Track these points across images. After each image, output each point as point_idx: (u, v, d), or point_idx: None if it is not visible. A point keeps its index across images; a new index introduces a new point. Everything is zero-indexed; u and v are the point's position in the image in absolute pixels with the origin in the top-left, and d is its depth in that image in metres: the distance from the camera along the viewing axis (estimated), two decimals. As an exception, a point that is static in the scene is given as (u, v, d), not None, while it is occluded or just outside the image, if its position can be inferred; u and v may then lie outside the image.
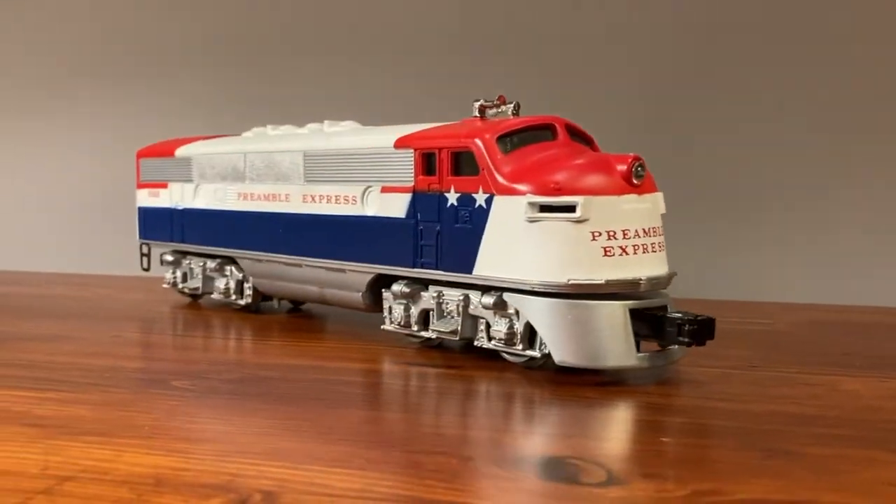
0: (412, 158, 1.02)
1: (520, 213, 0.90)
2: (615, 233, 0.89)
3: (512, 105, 1.01)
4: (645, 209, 0.92)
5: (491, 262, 0.93)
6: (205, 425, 0.73)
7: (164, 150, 1.42)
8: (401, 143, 1.03)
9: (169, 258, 1.42)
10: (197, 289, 1.37)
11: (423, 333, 1.04)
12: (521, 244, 0.90)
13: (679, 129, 1.54)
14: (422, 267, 1.01)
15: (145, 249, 1.49)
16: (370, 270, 1.08)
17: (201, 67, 1.81)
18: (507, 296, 0.93)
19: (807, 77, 1.49)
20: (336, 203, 1.12)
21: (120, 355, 1.04)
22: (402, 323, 1.05)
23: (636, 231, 0.90)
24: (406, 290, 1.03)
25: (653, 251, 0.92)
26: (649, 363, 0.90)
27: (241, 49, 1.78)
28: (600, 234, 0.88)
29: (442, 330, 1.00)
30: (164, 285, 1.46)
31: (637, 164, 0.91)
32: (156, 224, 1.44)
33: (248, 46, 1.78)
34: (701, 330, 0.88)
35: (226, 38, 1.79)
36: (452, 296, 1.00)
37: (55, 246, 1.93)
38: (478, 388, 0.89)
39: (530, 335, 0.93)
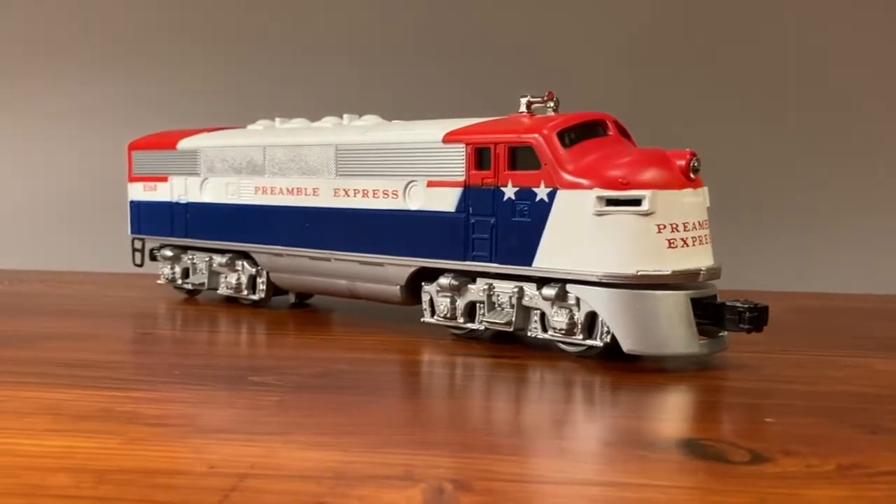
0: (463, 153, 1.03)
1: (587, 207, 0.93)
2: (677, 225, 0.93)
3: (553, 101, 1.05)
4: (698, 202, 0.96)
5: (553, 255, 0.96)
6: (331, 419, 0.74)
7: (162, 143, 1.38)
8: (451, 138, 1.04)
9: (168, 253, 1.39)
10: (203, 284, 1.34)
11: (471, 325, 1.05)
12: (587, 237, 0.93)
13: (673, 120, 1.60)
14: (473, 260, 1.03)
15: (138, 245, 1.45)
16: (412, 264, 1.09)
17: (191, 57, 1.77)
18: (570, 287, 0.96)
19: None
20: (374, 197, 1.12)
21: (168, 352, 1.02)
22: (447, 315, 1.07)
23: (693, 224, 0.95)
24: (455, 282, 1.05)
25: (704, 243, 0.97)
26: (709, 350, 0.94)
27: (232, 40, 1.75)
28: (665, 227, 0.92)
29: (496, 321, 1.02)
30: (160, 281, 1.42)
31: (694, 159, 0.95)
32: (152, 219, 1.40)
33: (241, 38, 1.75)
34: (760, 317, 0.93)
35: (216, 29, 1.76)
36: (505, 288, 1.02)
37: (29, 243, 1.84)
38: (551, 377, 0.91)
39: (589, 325, 0.96)
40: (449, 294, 1.06)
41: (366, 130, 1.15)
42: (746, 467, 0.61)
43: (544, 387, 0.88)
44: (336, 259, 1.17)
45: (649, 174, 0.93)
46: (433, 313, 1.09)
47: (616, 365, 0.94)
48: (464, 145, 1.03)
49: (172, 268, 1.39)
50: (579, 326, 0.96)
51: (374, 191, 1.12)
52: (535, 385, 0.89)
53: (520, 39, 1.66)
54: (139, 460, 0.61)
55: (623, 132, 1.05)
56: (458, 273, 1.05)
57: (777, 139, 1.62)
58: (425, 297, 1.10)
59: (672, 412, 0.80)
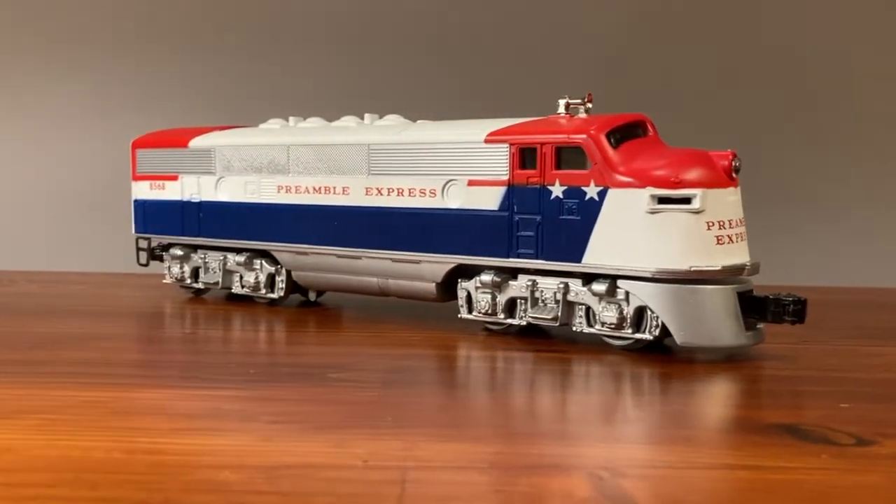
0: (507, 153, 1.05)
1: (640, 205, 0.96)
2: (724, 223, 0.97)
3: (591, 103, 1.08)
4: (737, 201, 1.01)
5: (603, 251, 0.99)
6: (444, 413, 0.76)
7: (171, 141, 1.36)
8: (493, 138, 1.06)
9: (178, 253, 1.36)
10: (217, 283, 1.33)
11: (513, 321, 1.08)
12: (640, 234, 0.97)
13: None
14: (518, 257, 1.05)
15: (143, 244, 1.42)
16: (450, 261, 1.11)
17: (192, 53, 1.74)
18: (621, 282, 0.99)
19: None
20: (410, 196, 1.13)
21: (224, 351, 1.03)
22: (488, 311, 1.09)
23: (735, 221, 0.99)
24: (497, 279, 1.07)
25: (743, 240, 1.01)
26: (753, 341, 0.99)
27: (236, 37, 1.73)
28: (713, 224, 0.97)
29: (542, 317, 1.04)
30: (166, 280, 1.39)
31: (735, 159, 1.00)
32: (160, 218, 1.38)
33: (245, 34, 1.73)
34: (802, 309, 0.98)
35: (221, 26, 1.73)
36: (549, 284, 1.04)
37: (24, 243, 1.78)
38: (608, 370, 0.94)
39: (637, 319, 1.00)
40: (489, 291, 1.08)
41: (399, 130, 1.16)
42: (857, 449, 0.66)
43: (613, 379, 0.91)
44: (367, 257, 1.18)
45: (698, 174, 0.97)
46: (470, 310, 1.11)
47: (656, 357, 0.98)
48: (507, 145, 1.05)
49: (181, 267, 1.37)
50: (628, 321, 1.00)
51: (409, 189, 1.13)
52: (606, 378, 0.91)
53: (519, 38, 1.69)
54: (293, 456, 0.62)
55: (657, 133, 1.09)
56: (498, 270, 1.08)
57: (786, 136, 1.69)
58: (462, 294, 1.12)
59: (747, 400, 0.84)
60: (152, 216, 1.39)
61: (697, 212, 0.95)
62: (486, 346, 1.05)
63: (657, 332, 0.98)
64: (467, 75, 1.68)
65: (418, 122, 1.21)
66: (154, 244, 1.43)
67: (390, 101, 1.54)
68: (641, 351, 1.00)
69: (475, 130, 1.08)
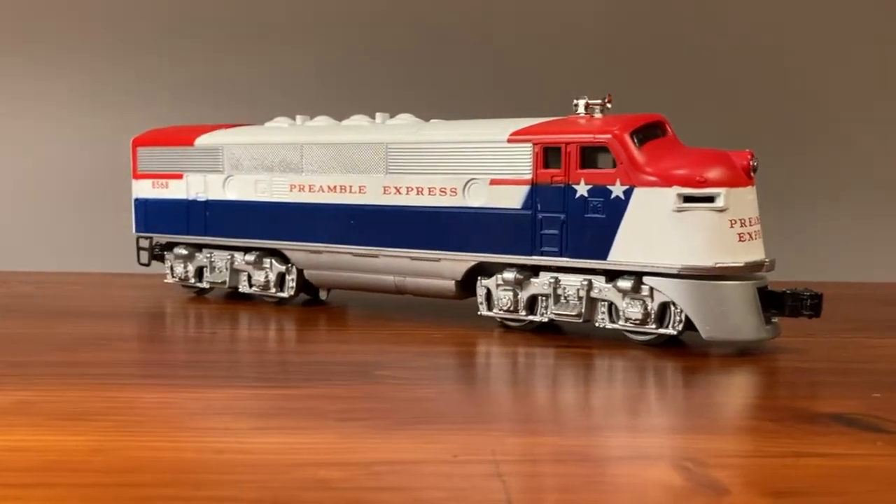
0: (530, 152, 1.07)
1: (667, 204, 0.99)
2: (745, 220, 1.01)
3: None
4: (754, 200, 1.04)
5: (629, 249, 1.02)
6: (513, 407, 0.79)
7: (175, 139, 1.35)
8: (516, 138, 1.08)
9: (183, 252, 1.35)
10: (224, 283, 1.32)
11: (533, 317, 1.10)
12: (666, 232, 0.99)
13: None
14: (541, 254, 1.07)
15: (144, 243, 1.40)
16: (472, 259, 1.12)
17: (191, 50, 1.72)
18: (646, 279, 1.02)
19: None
20: (430, 195, 1.14)
21: (257, 351, 1.04)
22: (509, 308, 1.11)
23: (753, 219, 1.03)
24: (520, 276, 1.09)
25: (760, 237, 1.05)
26: (772, 335, 1.02)
27: (230, 37, 1.72)
28: (736, 222, 1.00)
29: (566, 313, 1.07)
30: (168, 280, 1.38)
31: (753, 159, 1.03)
32: (164, 217, 1.36)
33: (239, 34, 1.72)
34: (819, 304, 1.02)
35: (220, 21, 1.72)
36: (572, 281, 1.07)
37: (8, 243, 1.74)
38: (641, 364, 0.96)
39: (660, 315, 1.03)
40: (511, 288, 1.10)
41: (417, 129, 1.17)
42: (909, 435, 0.69)
43: (649, 373, 0.94)
44: (384, 255, 1.18)
45: (721, 173, 1.00)
46: (489, 306, 1.13)
47: (674, 351, 1.01)
48: (531, 145, 1.07)
49: (185, 267, 1.36)
50: (652, 316, 1.03)
51: (429, 188, 1.15)
52: (641, 372, 0.94)
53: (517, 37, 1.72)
54: (385, 452, 0.63)
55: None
56: (520, 268, 1.10)
57: (787, 129, 1.73)
58: (481, 292, 1.13)
59: (784, 391, 0.88)
60: (155, 215, 1.38)
61: (721, 210, 0.99)
62: (509, 343, 1.07)
63: (680, 327, 1.01)
64: (470, 73, 1.69)
65: (432, 121, 1.22)
66: (152, 244, 1.42)
67: (392, 99, 1.55)
68: (659, 345, 1.03)
69: (497, 130, 1.10)
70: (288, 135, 1.27)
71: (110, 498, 0.53)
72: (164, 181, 1.36)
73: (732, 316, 0.99)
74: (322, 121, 1.29)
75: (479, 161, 1.11)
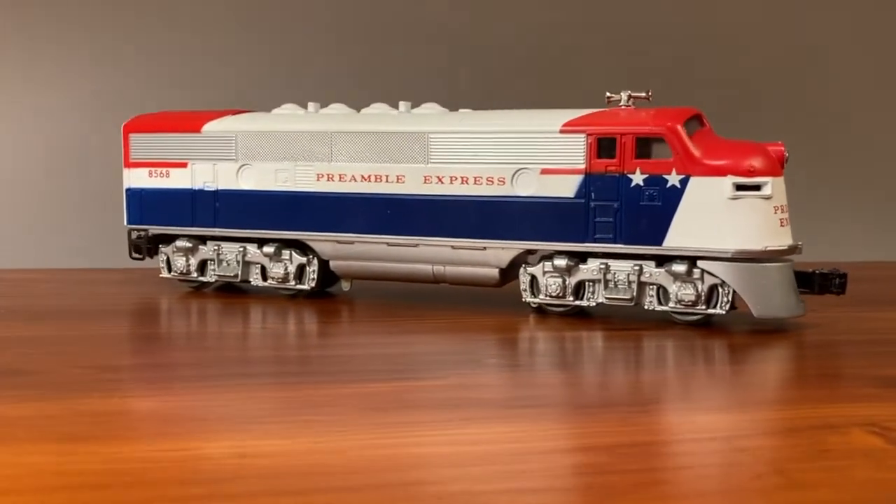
0: (584, 143, 1.11)
1: (722, 192, 1.06)
2: (783, 207, 1.10)
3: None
4: (784, 188, 1.14)
5: (684, 235, 1.08)
6: (655, 390, 0.83)
7: (177, 125, 1.28)
8: (569, 128, 1.12)
9: (187, 245, 1.28)
10: (235, 276, 1.27)
11: (580, 302, 1.14)
12: (721, 218, 1.07)
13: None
14: (594, 241, 1.12)
15: (136, 235, 1.32)
16: (519, 247, 1.15)
17: (183, 42, 1.63)
18: (700, 263, 1.08)
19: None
20: (476, 184, 1.16)
21: (319, 345, 1.04)
22: (558, 294, 1.14)
23: (786, 206, 1.12)
24: (570, 263, 1.13)
25: (789, 223, 1.14)
26: (803, 312, 1.12)
27: (228, 28, 1.65)
28: (778, 209, 1.09)
29: (618, 297, 1.12)
30: (165, 275, 1.31)
31: (785, 150, 1.12)
32: (163, 208, 1.29)
33: (237, 26, 1.65)
34: (845, 282, 1.13)
35: (219, 6, 1.64)
36: (623, 266, 1.12)
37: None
38: (701, 344, 1.03)
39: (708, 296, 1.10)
40: (560, 275, 1.14)
41: (461, 119, 1.18)
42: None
43: (737, 350, 1.02)
44: (424, 244, 1.19)
45: (765, 163, 1.09)
46: (533, 293, 1.16)
47: (722, 330, 1.09)
48: (584, 135, 1.11)
49: (187, 260, 1.30)
50: (703, 298, 1.10)
51: (475, 178, 1.16)
52: (730, 349, 1.01)
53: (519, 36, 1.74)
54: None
55: (704, 126, 1.19)
56: (568, 255, 1.14)
57: (801, 117, 1.83)
58: (524, 279, 1.16)
59: (837, 360, 0.98)
60: (152, 206, 1.30)
61: (768, 197, 1.07)
62: (553, 327, 1.10)
63: (727, 307, 1.09)
64: (480, 68, 1.71)
65: (460, 110, 1.23)
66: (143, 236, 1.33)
67: (395, 88, 1.53)
68: (700, 325, 1.10)
69: (549, 120, 1.13)
70: (313, 123, 1.24)
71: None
72: (164, 170, 1.29)
73: (777, 295, 1.08)
74: (338, 108, 1.27)
75: (529, 151, 1.14)
